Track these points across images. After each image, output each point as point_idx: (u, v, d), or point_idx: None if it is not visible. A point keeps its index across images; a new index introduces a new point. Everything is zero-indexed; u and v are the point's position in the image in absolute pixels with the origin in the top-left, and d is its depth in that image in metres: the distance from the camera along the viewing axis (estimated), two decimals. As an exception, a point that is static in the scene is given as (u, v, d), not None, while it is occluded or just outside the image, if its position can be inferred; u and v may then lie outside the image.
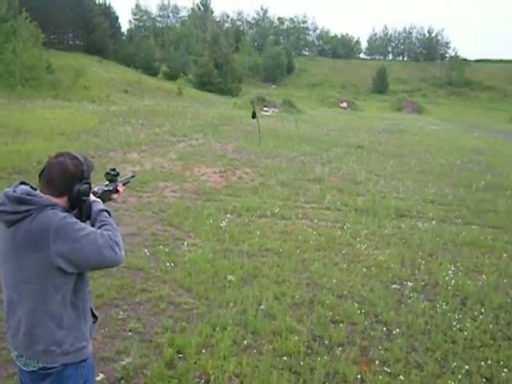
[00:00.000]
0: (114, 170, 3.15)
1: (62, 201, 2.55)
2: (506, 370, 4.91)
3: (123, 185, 3.28)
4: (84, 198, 2.63)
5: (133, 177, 3.58)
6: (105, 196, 3.05)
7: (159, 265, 7.02)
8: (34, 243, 2.40)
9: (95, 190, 2.96)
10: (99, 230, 2.55)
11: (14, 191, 2.48)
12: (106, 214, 2.75)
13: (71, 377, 2.58)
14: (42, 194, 2.50)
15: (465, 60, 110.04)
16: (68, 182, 2.53)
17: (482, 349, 5.35)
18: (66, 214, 2.49)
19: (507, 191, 14.29)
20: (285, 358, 4.84)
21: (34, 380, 2.60)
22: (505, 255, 8.64)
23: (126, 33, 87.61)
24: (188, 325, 5.37)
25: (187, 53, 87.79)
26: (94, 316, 2.83)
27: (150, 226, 8.90)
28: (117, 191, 3.18)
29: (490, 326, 5.86)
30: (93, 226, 2.66)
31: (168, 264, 6.99)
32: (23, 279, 2.47)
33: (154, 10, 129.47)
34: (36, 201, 2.44)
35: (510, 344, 5.53)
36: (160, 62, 77.36)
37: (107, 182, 3.16)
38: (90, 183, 2.65)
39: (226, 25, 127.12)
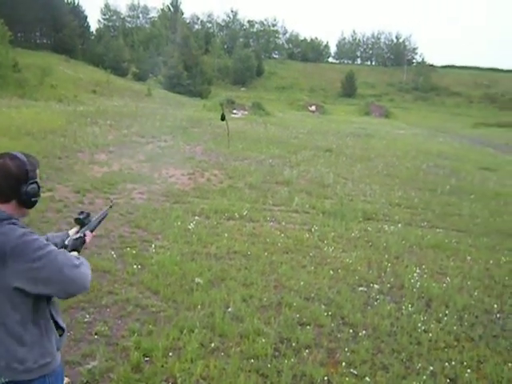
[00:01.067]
0: (82, 213, 2.92)
1: (10, 206, 2.40)
2: (469, 370, 5.00)
3: (100, 221, 3.04)
4: (33, 199, 2.45)
5: (111, 207, 3.26)
6: (77, 245, 2.80)
7: (126, 267, 6.96)
8: None
9: (65, 243, 2.76)
10: (62, 249, 2.45)
11: None
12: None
13: None
14: None
15: (431, 66, 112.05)
16: (13, 185, 2.37)
17: (446, 350, 5.45)
18: (24, 230, 2.35)
19: (471, 195, 14.59)
20: (252, 360, 4.85)
21: None
22: (468, 258, 8.81)
23: (94, 32, 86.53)
24: (155, 328, 5.34)
25: (157, 54, 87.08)
26: (61, 328, 2.68)
27: (117, 227, 8.82)
28: (84, 242, 2.89)
29: (454, 328, 5.97)
30: None
31: (135, 266, 6.94)
32: None
33: (123, 10, 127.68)
34: None
35: (473, 345, 5.65)
36: (129, 63, 76.77)
37: (76, 229, 2.93)
38: (37, 182, 2.47)
39: (196, 26, 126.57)
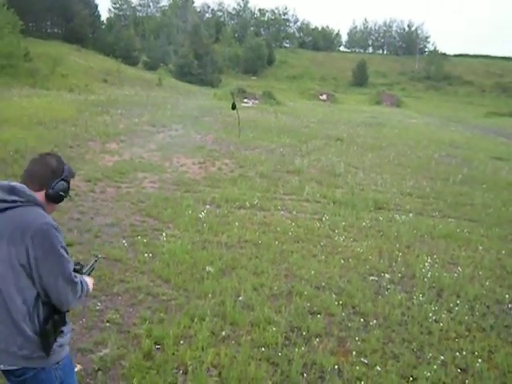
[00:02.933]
0: (77, 264, 2.98)
1: (40, 195, 2.57)
2: (480, 360, 4.99)
3: (89, 273, 3.09)
4: (61, 193, 2.65)
5: (96, 261, 3.31)
6: None
7: (137, 255, 6.99)
8: (12, 235, 2.41)
9: None
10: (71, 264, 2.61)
11: (9, 183, 2.52)
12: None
13: (46, 380, 2.58)
14: (32, 191, 2.53)
15: (444, 54, 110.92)
16: (48, 175, 2.60)
17: (457, 340, 5.43)
18: (52, 222, 2.51)
19: (483, 185, 14.48)
20: (263, 348, 4.86)
21: None
22: (480, 248, 8.76)
23: (105, 22, 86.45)
24: (166, 316, 5.37)
25: (167, 43, 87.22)
26: (66, 324, 2.74)
27: (129, 216, 8.85)
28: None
29: (465, 318, 5.95)
30: None
31: (146, 255, 6.97)
32: None
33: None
34: (26, 194, 2.49)
35: (484, 335, 5.63)
36: (140, 52, 76.77)
37: None
38: (68, 182, 2.71)
39: (207, 15, 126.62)
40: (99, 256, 3.96)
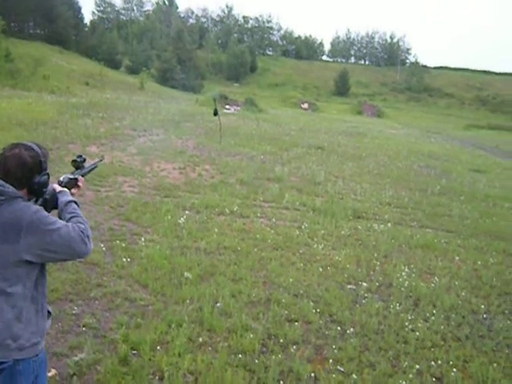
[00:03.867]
0: (80, 156, 3.09)
1: (21, 193, 2.54)
2: (455, 369, 5.03)
3: (90, 170, 3.22)
4: (44, 189, 2.63)
5: (101, 161, 3.45)
6: (70, 185, 2.96)
7: (115, 260, 6.95)
8: (3, 233, 2.40)
9: (60, 179, 2.91)
10: (70, 224, 2.54)
11: None
12: (74, 205, 2.74)
13: (23, 372, 2.54)
14: (10, 186, 2.48)
15: (425, 67, 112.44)
16: (27, 175, 2.53)
17: (432, 349, 5.47)
18: (37, 207, 2.51)
19: (461, 196, 14.65)
20: (240, 355, 4.85)
21: None
22: (457, 258, 8.85)
23: (88, 24, 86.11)
24: (143, 321, 5.34)
25: (150, 47, 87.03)
26: (48, 311, 2.77)
27: (107, 220, 8.79)
28: (77, 185, 3.03)
29: (441, 327, 6.00)
30: (60, 217, 2.64)
31: (124, 259, 6.93)
32: None
33: (118, 3, 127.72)
34: (7, 191, 2.44)
35: (459, 345, 5.68)
36: (122, 56, 76.63)
37: (73, 170, 3.11)
38: (48, 173, 2.64)
39: (191, 21, 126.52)
40: (103, 159, 4.02)
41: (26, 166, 2.52)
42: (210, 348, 4.98)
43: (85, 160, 3.07)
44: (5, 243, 2.40)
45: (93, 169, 3.29)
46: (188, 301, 5.89)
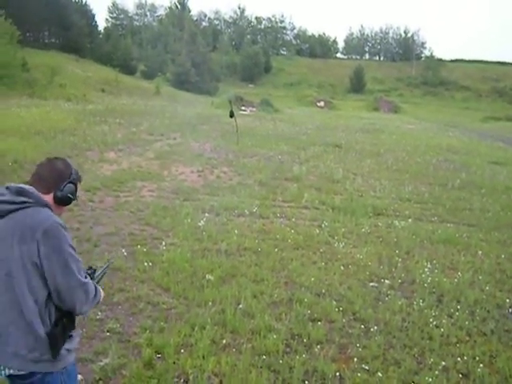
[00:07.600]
0: (90, 268, 3.04)
1: (49, 198, 2.62)
2: (481, 365, 4.97)
3: (103, 276, 3.17)
4: (70, 195, 2.70)
5: (108, 266, 3.36)
6: None
7: (137, 264, 6.98)
8: (23, 234, 2.44)
9: None
10: (91, 281, 2.70)
11: (16, 185, 2.58)
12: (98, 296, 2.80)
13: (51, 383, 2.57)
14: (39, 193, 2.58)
15: (440, 60, 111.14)
16: (56, 178, 2.65)
17: (458, 345, 5.42)
18: (62, 222, 2.57)
19: (481, 189, 14.50)
20: (264, 356, 4.85)
21: None
22: (479, 252, 8.75)
23: (102, 31, 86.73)
24: (166, 324, 5.36)
25: (165, 52, 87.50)
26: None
27: (128, 225, 8.84)
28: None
29: (466, 323, 5.94)
30: None
31: (146, 264, 6.96)
32: (5, 270, 2.47)
33: (131, 9, 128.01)
34: (35, 196, 2.54)
35: (485, 340, 5.61)
36: (137, 61, 77.05)
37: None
38: (76, 185, 2.75)
39: (204, 24, 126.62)
40: (112, 260, 3.99)
41: (56, 170, 2.67)
42: (233, 349, 4.99)
43: (95, 271, 3.03)
44: (22, 244, 2.44)
45: (105, 273, 3.26)
46: (210, 303, 5.90)
